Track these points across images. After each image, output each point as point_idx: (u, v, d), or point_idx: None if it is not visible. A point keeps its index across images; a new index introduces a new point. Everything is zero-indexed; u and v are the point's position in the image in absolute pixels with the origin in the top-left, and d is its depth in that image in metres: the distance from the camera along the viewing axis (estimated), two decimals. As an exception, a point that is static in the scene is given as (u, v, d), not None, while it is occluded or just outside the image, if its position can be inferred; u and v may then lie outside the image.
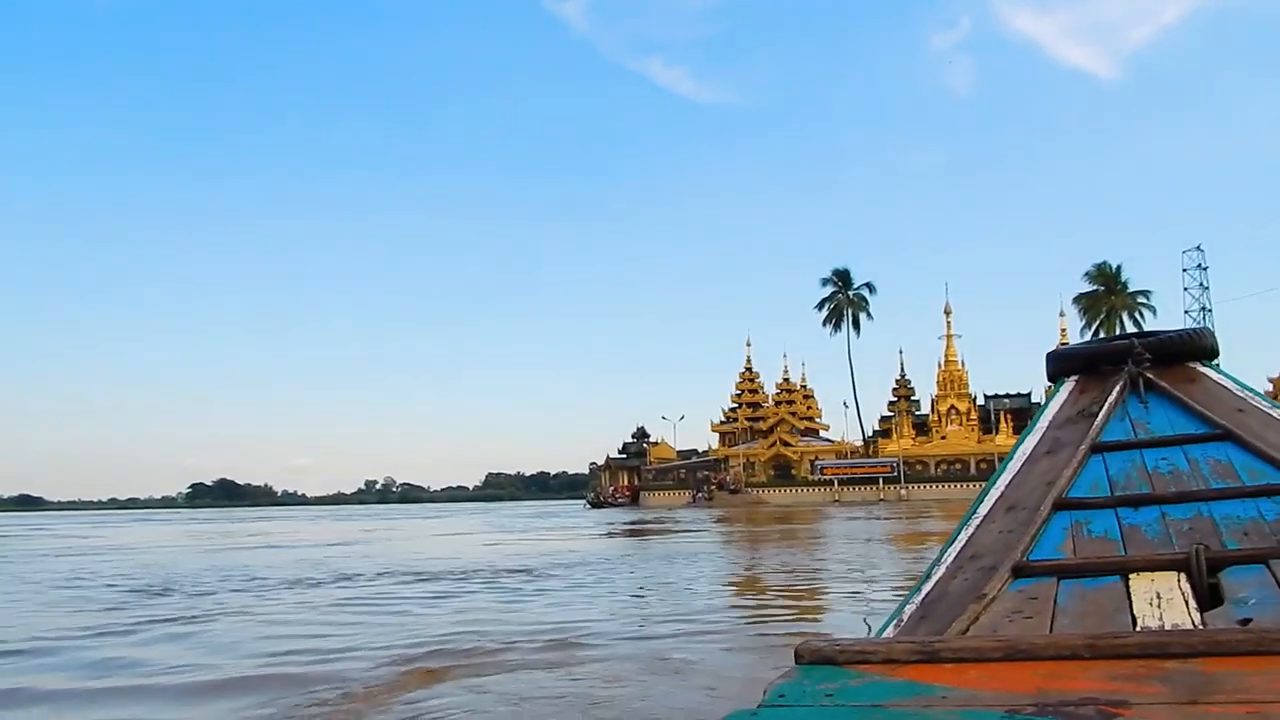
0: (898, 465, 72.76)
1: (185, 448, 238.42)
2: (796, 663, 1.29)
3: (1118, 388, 3.00)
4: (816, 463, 75.63)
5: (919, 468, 73.78)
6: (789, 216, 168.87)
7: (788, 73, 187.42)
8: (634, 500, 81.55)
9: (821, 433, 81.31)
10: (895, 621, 1.82)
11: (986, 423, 73.86)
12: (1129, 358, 3.09)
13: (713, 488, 76.19)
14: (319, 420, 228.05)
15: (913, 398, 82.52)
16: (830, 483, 73.49)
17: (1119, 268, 72.08)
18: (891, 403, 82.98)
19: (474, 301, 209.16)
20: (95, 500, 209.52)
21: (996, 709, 1.03)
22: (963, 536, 2.23)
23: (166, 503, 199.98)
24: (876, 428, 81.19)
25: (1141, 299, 71.67)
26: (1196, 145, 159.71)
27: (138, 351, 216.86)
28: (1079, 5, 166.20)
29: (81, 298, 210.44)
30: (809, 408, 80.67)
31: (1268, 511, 2.05)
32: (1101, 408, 2.85)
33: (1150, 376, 3.02)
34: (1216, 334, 3.30)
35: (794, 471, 77.07)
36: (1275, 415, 2.64)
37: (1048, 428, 2.90)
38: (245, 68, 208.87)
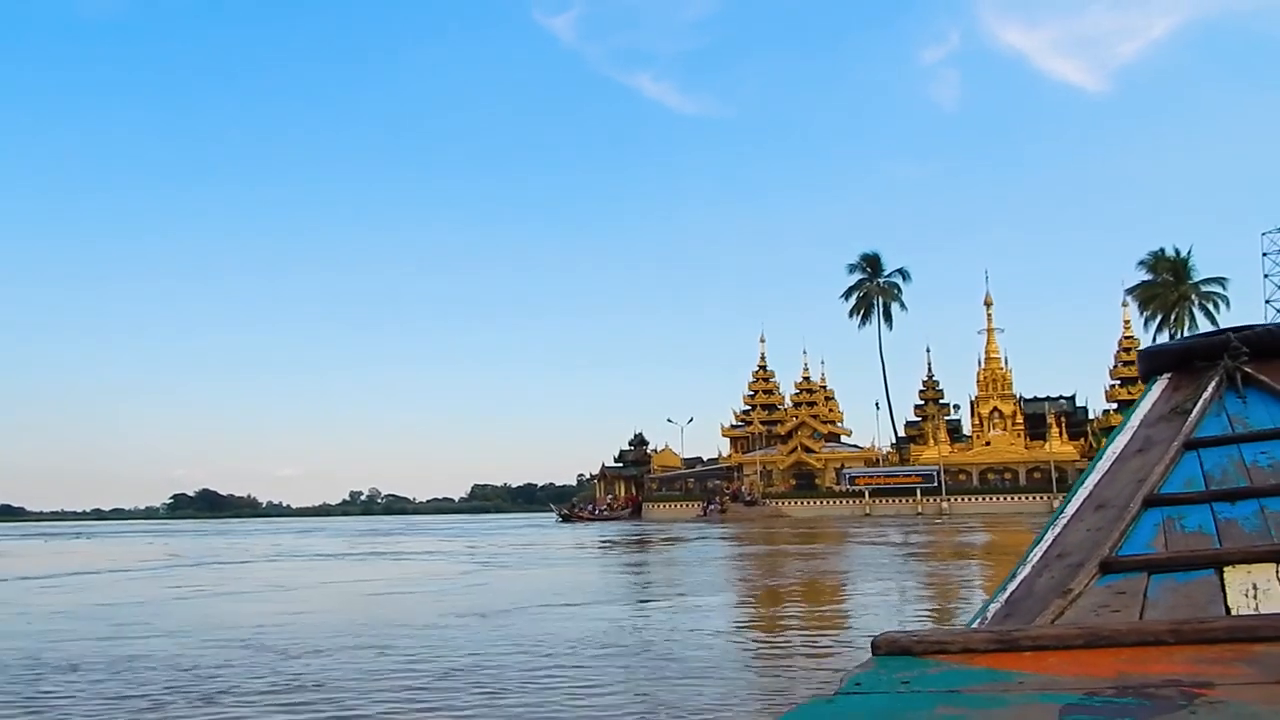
0: (937, 475, 60.37)
1: (171, 458, 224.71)
2: (873, 654, 1.22)
3: (1213, 383, 2.78)
4: (844, 471, 63.17)
5: (961, 477, 61.53)
6: (797, 218, 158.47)
7: (780, 85, 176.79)
8: (636, 512, 68.91)
9: (843, 438, 68.89)
10: (980, 619, 1.70)
11: (1032, 428, 61.87)
12: (1224, 352, 2.87)
13: (726, 499, 63.64)
14: (305, 431, 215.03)
15: (941, 400, 70.61)
16: (860, 494, 61.16)
17: (1188, 254, 60.30)
18: (919, 406, 71.15)
19: (461, 309, 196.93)
20: (78, 511, 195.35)
21: (1075, 692, 0.97)
22: (1049, 536, 2.08)
23: (149, 513, 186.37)
24: (901, 433, 69.09)
25: (1215, 287, 59.72)
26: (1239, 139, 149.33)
27: (123, 361, 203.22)
28: (1068, 19, 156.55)
29: (65, 306, 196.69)
30: (830, 410, 68.13)
31: None
32: (1196, 404, 2.65)
33: (1249, 371, 2.79)
34: None
35: (817, 481, 64.60)
36: None
37: (1139, 426, 2.71)
38: (232, 73, 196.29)
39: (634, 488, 74.56)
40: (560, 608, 10.82)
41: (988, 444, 62.08)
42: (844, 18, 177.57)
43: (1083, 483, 2.38)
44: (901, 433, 69.06)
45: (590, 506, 74.78)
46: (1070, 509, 2.22)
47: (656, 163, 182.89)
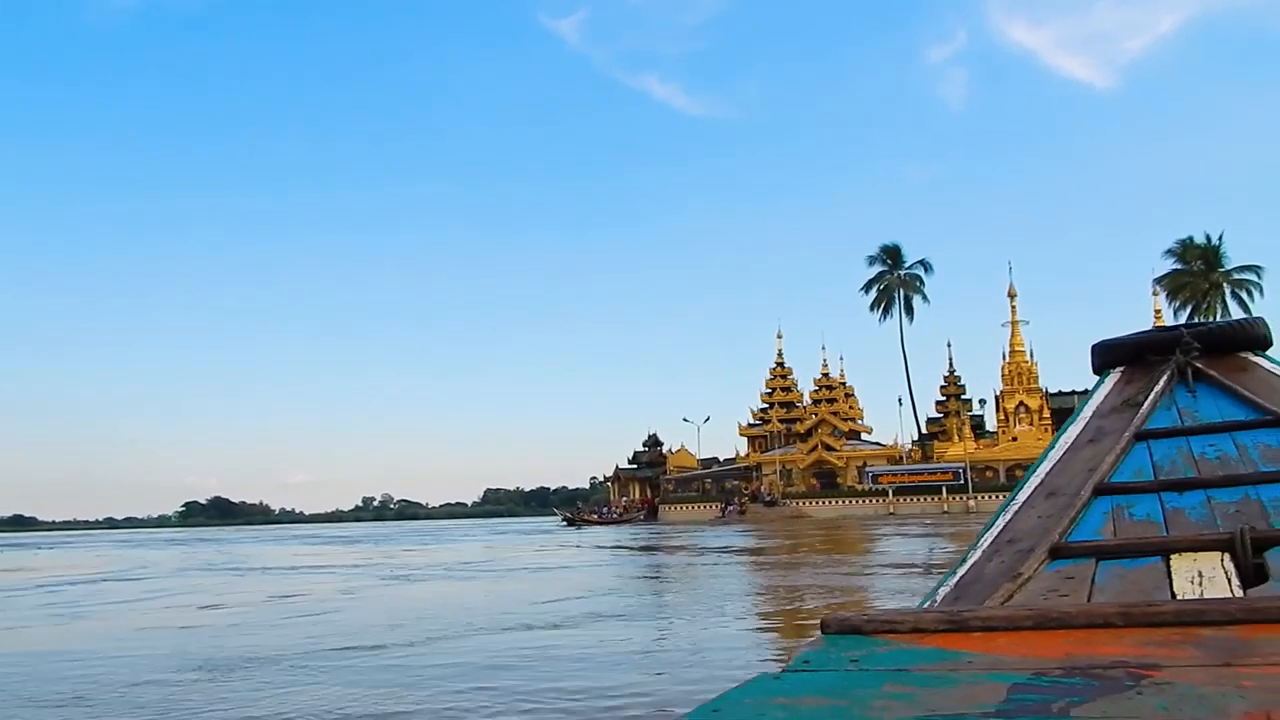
0: (963, 472, 58.15)
1: (183, 466, 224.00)
2: (823, 633, 1.22)
3: (1165, 377, 2.86)
4: (867, 470, 60.96)
5: (987, 474, 59.27)
6: (810, 216, 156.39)
7: (787, 86, 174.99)
8: (652, 514, 66.83)
9: (864, 435, 66.74)
10: (929, 602, 1.71)
11: (1060, 422, 59.64)
12: (1177, 347, 2.93)
13: (745, 500, 61.55)
14: (317, 437, 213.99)
15: (963, 396, 68.46)
16: (884, 492, 58.92)
17: (1219, 241, 58.04)
18: (940, 402, 69.02)
19: (471, 313, 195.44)
20: (90, 520, 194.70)
21: (1023, 672, 0.97)
22: (1000, 522, 2.12)
23: (162, 522, 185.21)
24: (923, 430, 66.97)
25: (1249, 275, 57.46)
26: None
27: (135, 369, 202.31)
28: (1074, 16, 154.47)
29: (75, 315, 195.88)
30: (850, 407, 65.99)
31: None
32: (1147, 397, 2.73)
33: (1199, 366, 2.86)
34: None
35: (839, 480, 62.43)
36: None
37: (1092, 417, 2.76)
38: (238, 80, 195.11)
39: (649, 489, 72.51)
40: (363, 653, 7.92)
41: (1014, 439, 59.88)
42: (850, 18, 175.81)
43: (1035, 471, 2.41)
44: (924, 429, 67.00)
45: (604, 509, 72.77)
46: (1022, 496, 2.25)
47: (666, 163, 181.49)
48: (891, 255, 62.72)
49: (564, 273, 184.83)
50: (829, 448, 62.70)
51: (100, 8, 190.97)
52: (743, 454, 67.79)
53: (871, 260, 63.34)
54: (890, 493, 58.89)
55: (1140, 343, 3.13)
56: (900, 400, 66.98)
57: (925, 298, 63.11)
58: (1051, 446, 2.59)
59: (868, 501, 59.14)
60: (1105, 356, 3.21)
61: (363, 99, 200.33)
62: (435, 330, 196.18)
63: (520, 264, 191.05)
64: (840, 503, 59.87)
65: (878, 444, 65.14)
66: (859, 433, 66.22)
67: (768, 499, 60.93)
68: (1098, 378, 3.14)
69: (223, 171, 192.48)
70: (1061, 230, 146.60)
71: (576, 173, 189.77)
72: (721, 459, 72.16)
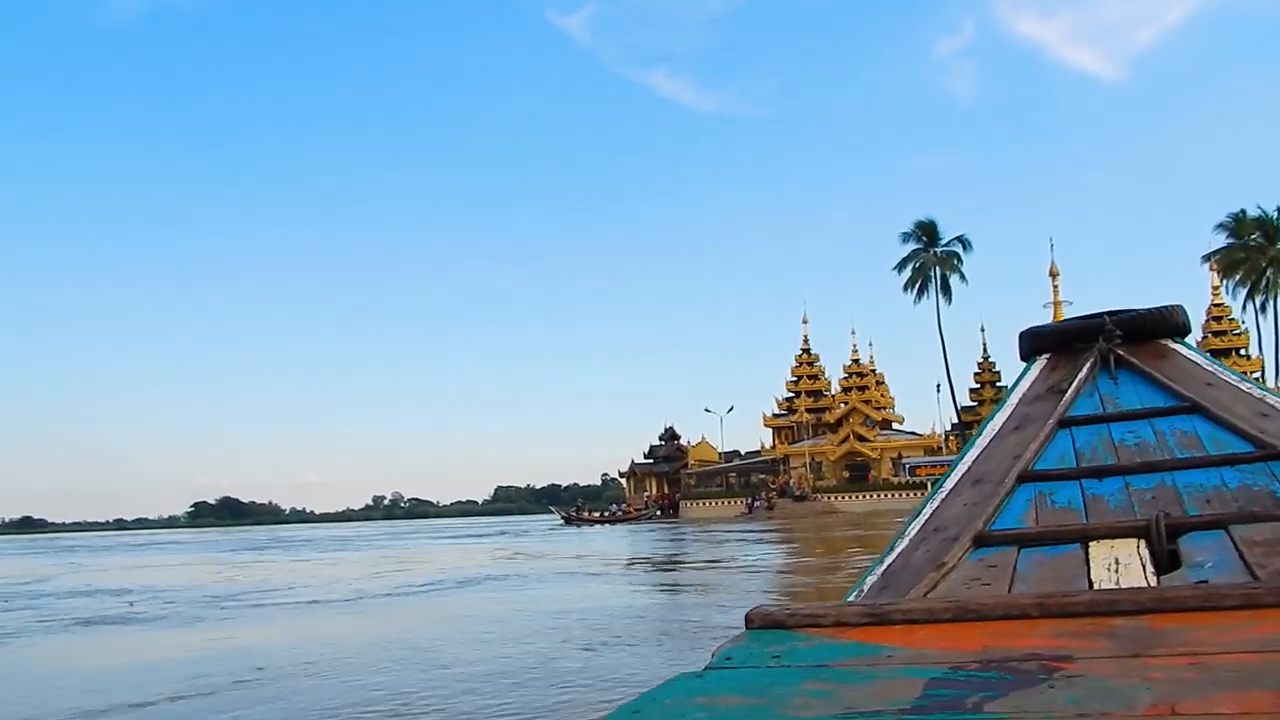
0: (1006, 462, 53.80)
1: (195, 466, 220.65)
2: (747, 627, 1.23)
3: (1088, 364, 2.88)
4: (903, 461, 56.69)
5: (1032, 464, 54.89)
6: (828, 204, 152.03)
7: (795, 81, 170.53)
8: (673, 511, 62.57)
9: (895, 425, 62.34)
10: (857, 593, 1.74)
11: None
12: (1100, 335, 2.97)
13: (773, 494, 57.38)
14: (327, 436, 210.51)
15: (998, 383, 64.11)
16: (921, 485, 54.50)
17: (1277, 213, 53.52)
18: (974, 389, 64.63)
19: (480, 308, 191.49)
20: (100, 521, 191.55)
21: (941, 666, 0.98)
22: (927, 510, 2.13)
23: (171, 523, 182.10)
24: (955, 420, 62.68)
25: (1313, 248, 53.02)
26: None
27: (144, 370, 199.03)
28: (1082, 7, 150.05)
29: (82, 316, 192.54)
30: (882, 395, 61.63)
31: (1230, 479, 1.99)
32: (1071, 384, 2.76)
33: (1121, 353, 2.90)
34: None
35: (872, 472, 58.15)
36: (1244, 389, 2.57)
37: (1018, 404, 2.79)
38: (247, 75, 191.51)
39: (666, 485, 68.20)
40: None
41: (1060, 427, 55.68)
42: (856, 12, 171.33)
43: (962, 458, 2.42)
44: (955, 419, 62.74)
45: (617, 506, 68.60)
46: (949, 484, 2.25)
47: (675, 157, 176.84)
48: (927, 232, 58.17)
49: (576, 265, 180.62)
50: (861, 438, 58.44)
51: (109, 14, 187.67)
52: (767, 446, 63.52)
53: (905, 237, 58.77)
54: (929, 485, 54.56)
55: (1065, 330, 3.15)
56: (939, 386, 62.24)
57: (963, 277, 58.62)
58: (979, 433, 2.58)
59: (904, 495, 54.84)
60: (1032, 344, 3.19)
61: (366, 96, 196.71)
62: (444, 327, 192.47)
63: (530, 258, 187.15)
64: (875, 496, 55.74)
65: (913, 433, 60.85)
66: (891, 422, 61.91)
67: (797, 493, 56.83)
68: (1025, 364, 3.14)
69: (223, 165, 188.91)
70: (1105, 211, 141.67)
71: (582, 166, 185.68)
72: (744, 452, 67.94)
